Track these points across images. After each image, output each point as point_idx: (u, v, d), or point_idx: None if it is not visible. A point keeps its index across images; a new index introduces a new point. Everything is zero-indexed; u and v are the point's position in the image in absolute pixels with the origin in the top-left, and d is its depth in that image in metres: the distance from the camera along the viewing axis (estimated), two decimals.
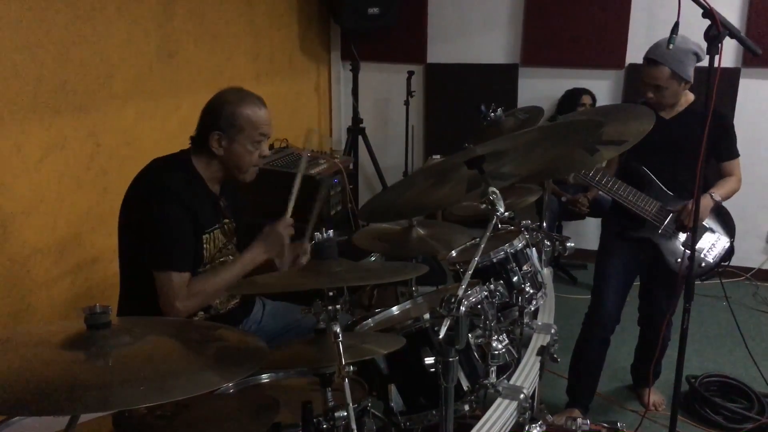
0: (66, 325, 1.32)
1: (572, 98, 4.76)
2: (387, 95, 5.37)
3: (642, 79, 2.83)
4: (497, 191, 1.62)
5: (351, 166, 4.66)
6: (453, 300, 1.31)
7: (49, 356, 1.21)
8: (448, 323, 1.30)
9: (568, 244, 2.31)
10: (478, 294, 1.66)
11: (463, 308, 1.31)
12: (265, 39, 4.55)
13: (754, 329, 4.04)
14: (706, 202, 2.83)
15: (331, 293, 1.51)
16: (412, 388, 1.83)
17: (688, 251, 2.25)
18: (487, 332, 1.70)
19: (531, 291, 2.02)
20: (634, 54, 4.75)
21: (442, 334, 1.30)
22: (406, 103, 4.96)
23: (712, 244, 2.94)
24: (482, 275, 2.08)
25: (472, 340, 1.80)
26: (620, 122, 2.19)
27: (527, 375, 1.79)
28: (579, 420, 1.97)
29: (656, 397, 3.28)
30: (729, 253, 2.96)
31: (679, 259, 2.89)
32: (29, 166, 2.80)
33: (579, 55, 4.88)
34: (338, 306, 1.51)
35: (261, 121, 2.25)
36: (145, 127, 3.45)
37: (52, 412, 1.07)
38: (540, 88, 4.98)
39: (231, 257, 2.36)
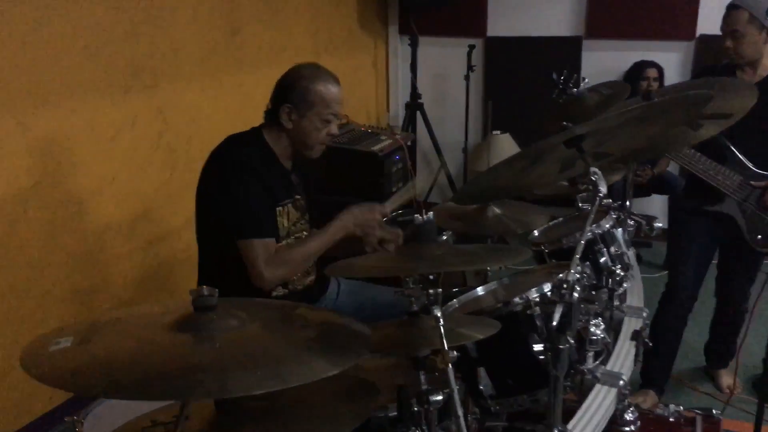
0: (172, 306, 1.31)
1: (637, 71, 4.57)
2: (446, 70, 5.25)
3: (721, 30, 2.72)
4: (599, 171, 1.56)
5: (409, 143, 4.60)
6: (565, 286, 1.26)
7: (159, 338, 1.20)
8: (561, 310, 1.25)
9: (656, 224, 2.23)
10: (571, 276, 1.60)
11: (576, 294, 1.26)
12: (325, 14, 4.51)
13: None
14: None
15: (431, 277, 1.48)
16: (503, 372, 1.79)
17: None
18: (584, 317, 1.64)
19: (621, 273, 1.95)
20: (706, 24, 4.52)
21: (555, 321, 1.25)
22: (467, 77, 4.81)
23: None
24: (567, 256, 2.01)
25: None
26: (722, 98, 2.09)
27: (623, 361, 1.74)
28: (671, 406, 1.92)
29: (731, 379, 3.18)
30: None
31: (759, 236, 2.78)
32: (102, 144, 2.83)
33: (646, 26, 4.69)
34: (440, 290, 1.47)
35: (333, 100, 2.24)
36: (210, 105, 3.45)
37: (172, 396, 1.06)
38: (605, 62, 4.81)
39: (305, 233, 2.36)
